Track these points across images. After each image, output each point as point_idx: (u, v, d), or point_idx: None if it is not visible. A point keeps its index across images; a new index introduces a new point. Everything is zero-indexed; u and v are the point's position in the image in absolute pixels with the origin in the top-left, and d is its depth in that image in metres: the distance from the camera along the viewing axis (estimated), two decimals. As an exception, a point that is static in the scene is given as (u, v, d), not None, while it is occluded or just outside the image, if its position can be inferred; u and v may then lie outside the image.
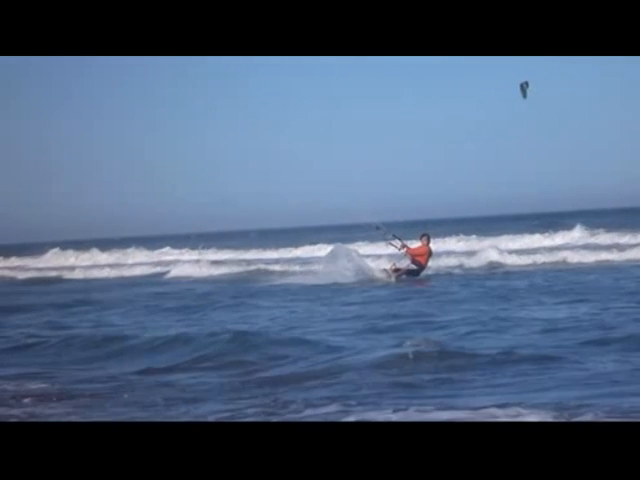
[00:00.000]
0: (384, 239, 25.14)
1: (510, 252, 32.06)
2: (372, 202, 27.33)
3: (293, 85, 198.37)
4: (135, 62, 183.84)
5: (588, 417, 6.90)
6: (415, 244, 25.00)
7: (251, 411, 8.26)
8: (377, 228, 24.75)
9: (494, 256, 30.60)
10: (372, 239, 43.74)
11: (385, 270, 24.47)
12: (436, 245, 27.81)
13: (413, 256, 24.23)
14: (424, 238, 24.34)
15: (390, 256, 27.98)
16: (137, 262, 45.16)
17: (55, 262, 50.48)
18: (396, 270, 24.20)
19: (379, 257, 30.34)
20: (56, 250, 54.05)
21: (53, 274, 42.04)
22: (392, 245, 24.65)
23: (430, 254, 24.50)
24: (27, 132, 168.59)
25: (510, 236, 40.59)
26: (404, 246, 24.40)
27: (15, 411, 8.80)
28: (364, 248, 35.52)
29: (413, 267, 24.20)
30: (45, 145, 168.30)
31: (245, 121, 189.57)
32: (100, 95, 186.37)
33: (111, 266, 42.97)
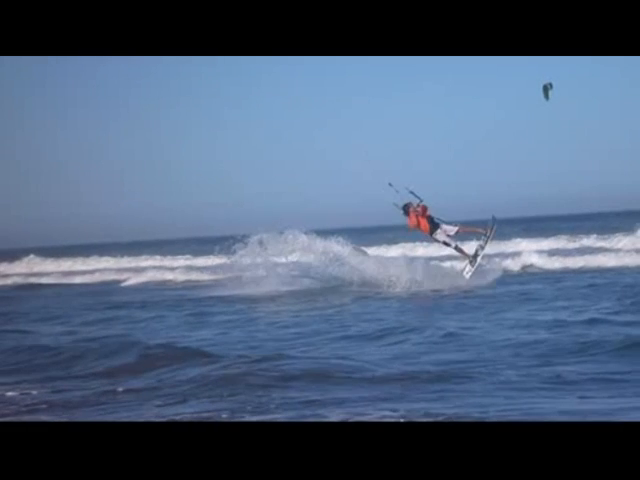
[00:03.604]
0: (398, 202, 24.22)
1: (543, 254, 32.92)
2: (380, 203, 27.29)
3: (300, 86, 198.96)
4: (130, 61, 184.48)
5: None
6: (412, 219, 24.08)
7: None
8: (390, 185, 24.16)
9: (530, 259, 31.19)
10: (388, 242, 44.51)
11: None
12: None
13: (423, 217, 23.53)
14: (410, 207, 23.68)
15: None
16: (90, 269, 47.79)
17: (35, 268, 51.45)
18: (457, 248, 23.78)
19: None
20: (32, 257, 55.17)
21: (31, 281, 43.50)
22: (414, 196, 23.86)
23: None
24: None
25: (531, 239, 41.65)
26: (420, 207, 23.73)
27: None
28: (379, 251, 35.89)
29: (450, 241, 23.77)
30: (22, 149, 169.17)
31: (247, 123, 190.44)
32: (78, 97, 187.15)
33: (66, 274, 45.23)
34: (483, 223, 24.81)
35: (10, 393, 11.00)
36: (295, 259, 26.30)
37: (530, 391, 9.75)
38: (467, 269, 23.75)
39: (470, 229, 24.30)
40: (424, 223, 23.81)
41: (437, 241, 24.07)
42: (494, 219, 24.19)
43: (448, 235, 23.95)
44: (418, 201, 23.91)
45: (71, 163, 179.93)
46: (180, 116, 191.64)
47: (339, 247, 25.66)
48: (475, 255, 23.98)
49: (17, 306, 26.26)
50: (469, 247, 24.89)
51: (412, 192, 24.08)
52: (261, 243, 25.59)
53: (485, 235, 23.83)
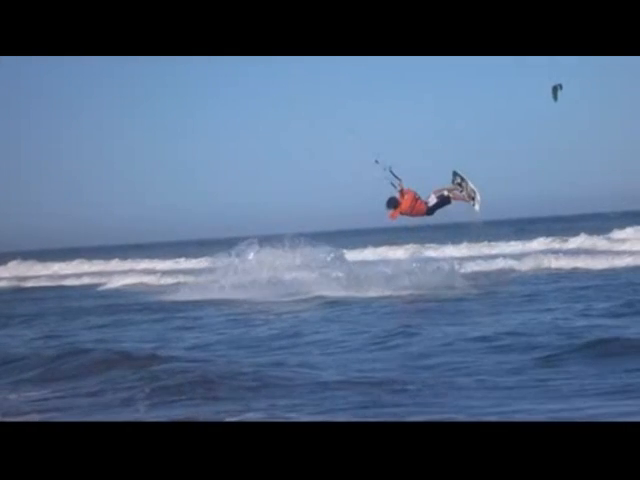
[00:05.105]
0: (387, 177, 23.32)
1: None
2: (376, 205, 27.17)
3: (286, 86, 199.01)
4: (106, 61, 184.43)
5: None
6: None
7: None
8: (376, 162, 23.43)
9: (525, 260, 31.93)
10: (376, 243, 44.68)
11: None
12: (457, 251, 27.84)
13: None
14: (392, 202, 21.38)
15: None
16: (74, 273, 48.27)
17: (22, 272, 51.73)
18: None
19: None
20: (19, 260, 55.43)
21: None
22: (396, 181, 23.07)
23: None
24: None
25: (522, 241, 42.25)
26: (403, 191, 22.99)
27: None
28: (367, 254, 35.99)
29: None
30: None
31: (240, 124, 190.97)
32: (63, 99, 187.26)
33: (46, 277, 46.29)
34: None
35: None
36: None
37: (522, 394, 9.89)
38: (475, 206, 23.26)
39: (443, 189, 24.00)
40: (419, 203, 23.36)
41: (436, 208, 23.49)
42: (455, 173, 23.85)
43: (435, 197, 23.44)
44: (398, 181, 23.51)
45: (51, 165, 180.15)
46: (172, 117, 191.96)
47: (300, 258, 26.15)
48: (470, 196, 23.62)
49: (2, 310, 26.39)
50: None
51: (391, 171, 23.56)
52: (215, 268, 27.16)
53: (459, 183, 23.47)
